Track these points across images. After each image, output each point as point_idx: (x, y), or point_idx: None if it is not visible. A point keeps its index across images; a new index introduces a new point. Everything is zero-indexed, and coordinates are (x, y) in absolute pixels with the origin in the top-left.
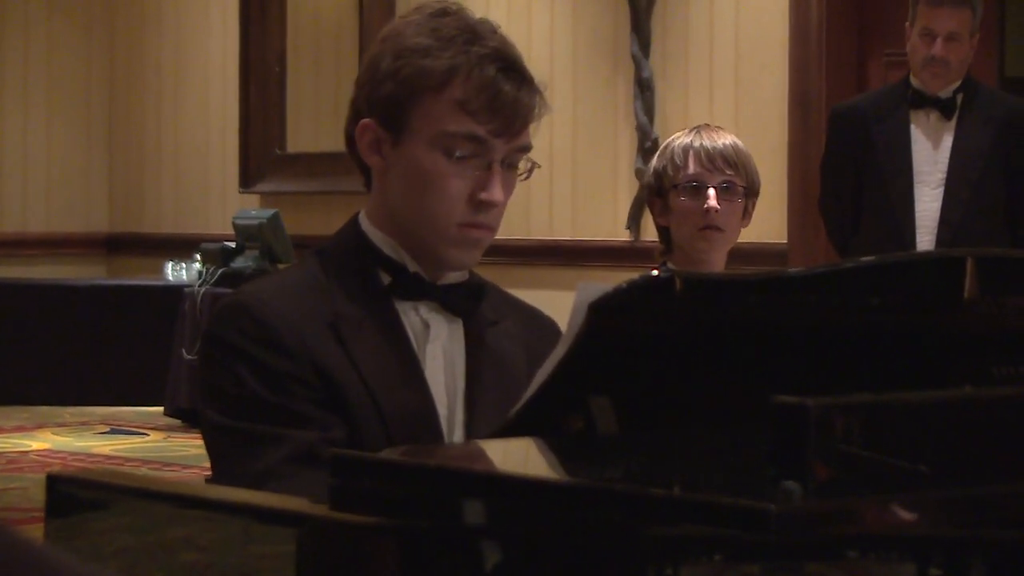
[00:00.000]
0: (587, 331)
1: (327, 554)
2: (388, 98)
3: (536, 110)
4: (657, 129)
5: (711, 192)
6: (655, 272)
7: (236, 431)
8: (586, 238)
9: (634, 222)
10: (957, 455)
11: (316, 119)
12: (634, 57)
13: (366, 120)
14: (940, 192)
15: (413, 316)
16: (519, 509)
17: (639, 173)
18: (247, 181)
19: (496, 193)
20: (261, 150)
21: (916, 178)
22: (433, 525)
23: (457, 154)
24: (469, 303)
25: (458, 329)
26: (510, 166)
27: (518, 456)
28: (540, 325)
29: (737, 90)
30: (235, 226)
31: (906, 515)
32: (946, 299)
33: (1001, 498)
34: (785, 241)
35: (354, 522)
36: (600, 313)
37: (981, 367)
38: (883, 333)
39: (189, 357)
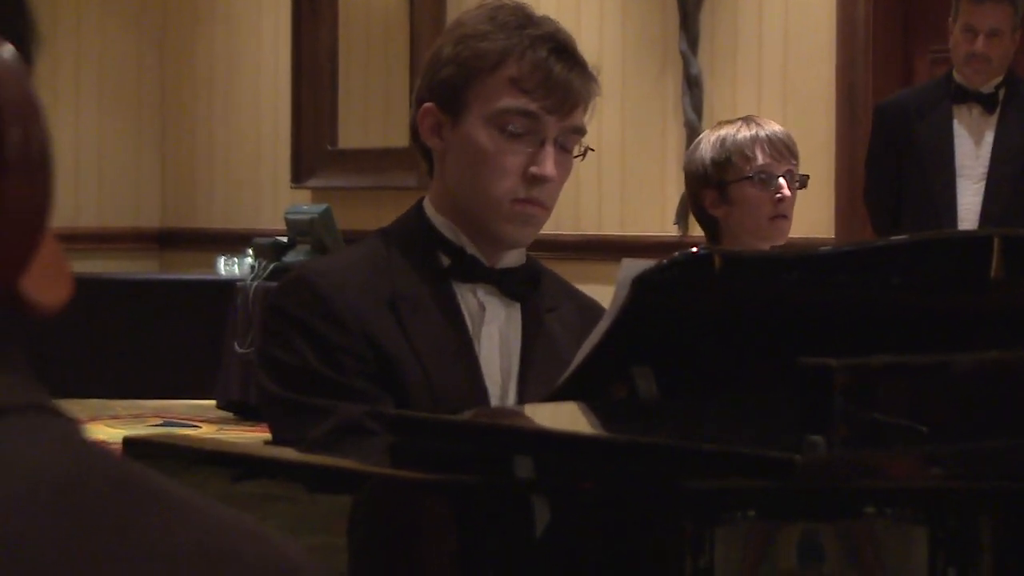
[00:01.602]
0: (631, 304)
1: (385, 511)
2: (447, 81)
3: (589, 93)
4: (705, 125)
5: (782, 181)
6: (695, 249)
7: (288, 401)
8: (635, 233)
9: (682, 218)
10: (968, 414)
11: (366, 115)
12: (683, 54)
13: (428, 105)
14: (982, 187)
15: (470, 298)
16: (567, 465)
17: None
18: (299, 176)
19: (548, 168)
20: (312, 146)
21: (958, 172)
22: (486, 481)
23: (510, 128)
24: (525, 287)
25: (515, 313)
26: (564, 147)
27: (567, 417)
28: (594, 315)
29: (784, 86)
30: (287, 221)
31: (921, 467)
32: (973, 278)
33: (1008, 452)
34: (833, 235)
35: (412, 479)
36: (643, 287)
37: (1006, 346)
38: (911, 310)
39: (241, 351)
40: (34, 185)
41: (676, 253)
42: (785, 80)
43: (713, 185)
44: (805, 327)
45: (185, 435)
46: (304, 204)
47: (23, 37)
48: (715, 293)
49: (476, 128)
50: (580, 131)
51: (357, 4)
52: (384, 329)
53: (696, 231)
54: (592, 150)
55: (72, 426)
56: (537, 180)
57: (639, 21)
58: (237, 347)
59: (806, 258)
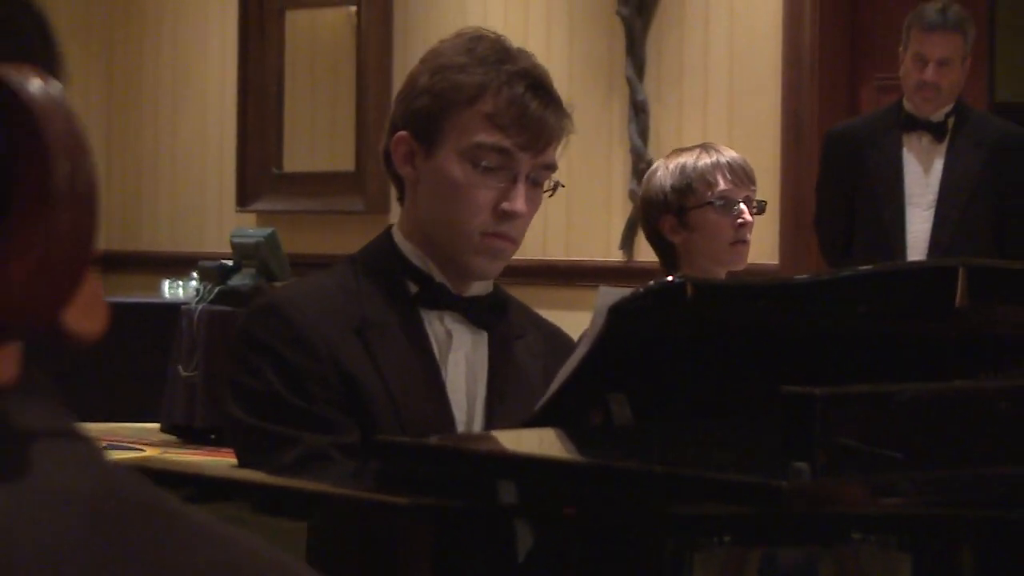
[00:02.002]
0: (607, 332)
1: (356, 535)
2: (422, 111)
3: (562, 130)
4: (651, 151)
5: (742, 206)
6: (670, 278)
7: (255, 429)
8: (580, 258)
9: (627, 243)
10: (947, 441)
11: (312, 139)
12: (629, 80)
13: (401, 133)
14: (931, 214)
15: (437, 325)
16: (548, 489)
17: (632, 195)
18: (244, 199)
19: (519, 204)
20: (258, 169)
21: (908, 200)
22: (468, 505)
23: (484, 164)
24: (492, 315)
25: (482, 341)
26: (535, 183)
27: (544, 443)
28: (560, 343)
29: (730, 113)
30: (232, 244)
31: (904, 494)
32: (939, 307)
33: (987, 479)
34: (777, 262)
35: (390, 503)
36: (619, 315)
37: (971, 373)
38: (879, 338)
39: (186, 374)
40: (82, 218)
41: (651, 282)
42: (731, 106)
43: (673, 211)
44: (776, 354)
45: (158, 457)
46: (249, 227)
47: (52, 69)
48: (689, 321)
49: (449, 161)
50: (551, 167)
51: (303, 26)
52: (352, 355)
53: (641, 256)
54: (563, 186)
55: (96, 451)
56: (508, 216)
57: (586, 47)
58: (182, 370)
59: (777, 287)
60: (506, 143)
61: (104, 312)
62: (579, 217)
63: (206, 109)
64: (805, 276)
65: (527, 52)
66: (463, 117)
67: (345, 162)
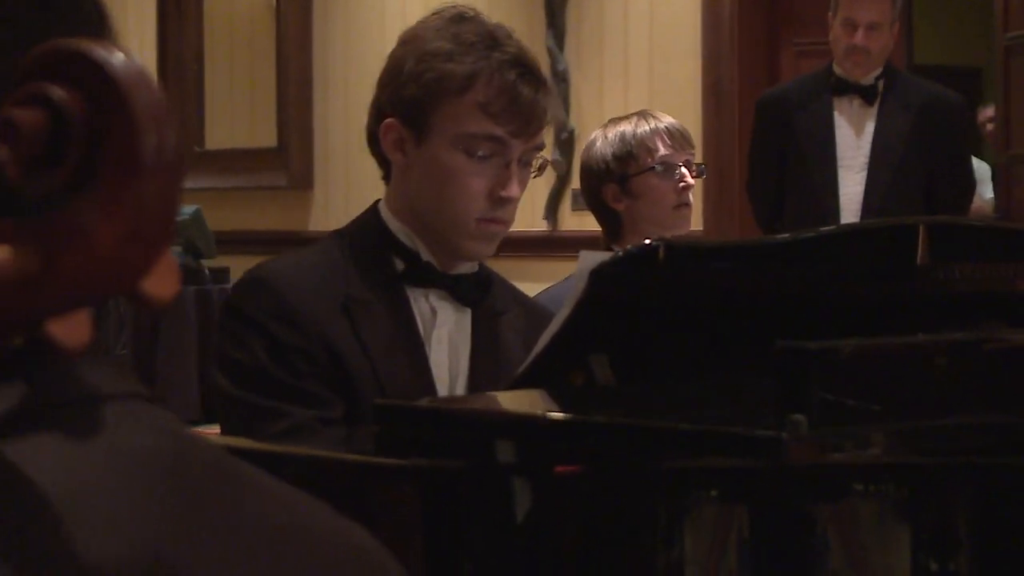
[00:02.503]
0: (587, 295)
1: (358, 499)
2: (411, 99)
3: (551, 112)
4: (573, 121)
5: (684, 170)
6: (647, 241)
7: (241, 401)
8: None
9: (551, 212)
10: (934, 392)
11: (233, 116)
12: (549, 50)
13: (390, 120)
14: (863, 176)
15: (423, 303)
16: (541, 448)
17: (555, 164)
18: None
19: (514, 190)
20: (180, 147)
21: (840, 163)
22: (460, 466)
23: (479, 154)
24: (477, 293)
25: (465, 318)
26: (525, 163)
27: (534, 403)
28: (540, 319)
29: (651, 81)
30: None
31: (896, 444)
32: (901, 265)
33: (976, 427)
34: (702, 228)
35: (387, 464)
36: (599, 278)
37: (935, 331)
38: (843, 297)
39: (116, 352)
40: (167, 187)
41: (629, 246)
42: (652, 74)
43: (615, 180)
44: (750, 314)
45: None
46: None
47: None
48: (665, 283)
49: (442, 149)
50: (540, 147)
51: (221, 2)
52: (338, 332)
53: (565, 226)
54: (550, 162)
55: (167, 414)
56: (502, 201)
57: (505, 17)
58: (110, 350)
59: (746, 248)
60: (499, 131)
61: (176, 279)
62: None
63: None
64: (770, 237)
65: (508, 31)
66: (454, 106)
67: (267, 138)
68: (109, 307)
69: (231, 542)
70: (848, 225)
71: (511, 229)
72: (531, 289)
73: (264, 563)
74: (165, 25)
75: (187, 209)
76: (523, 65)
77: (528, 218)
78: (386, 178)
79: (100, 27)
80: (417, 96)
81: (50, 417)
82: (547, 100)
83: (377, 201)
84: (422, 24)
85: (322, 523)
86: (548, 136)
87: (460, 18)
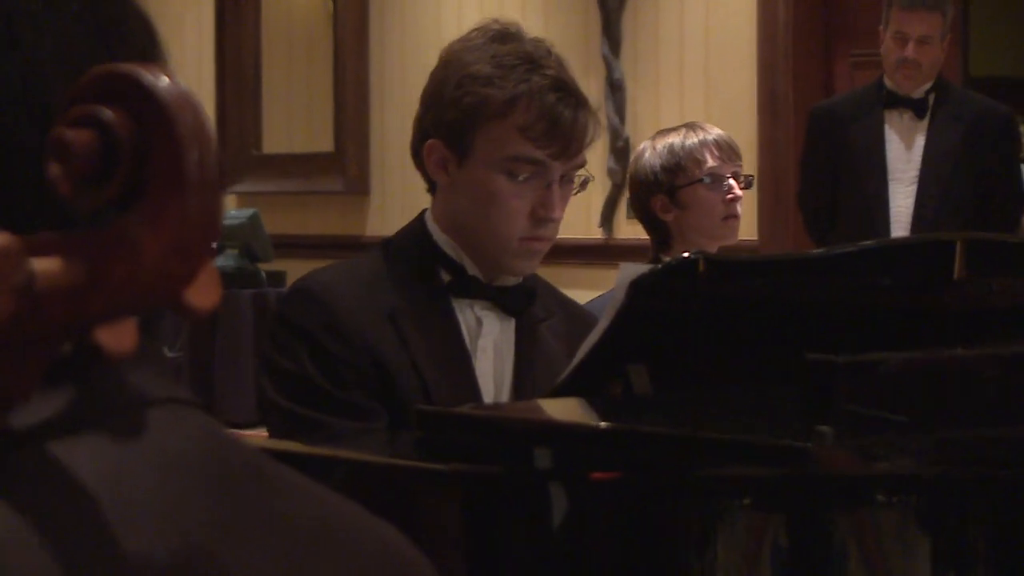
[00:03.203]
0: (627, 306)
1: (400, 502)
2: (453, 123)
3: (591, 133)
4: (628, 129)
5: (732, 182)
6: (686, 255)
7: (287, 411)
8: (560, 236)
9: (607, 221)
10: (957, 405)
11: (291, 120)
12: (605, 59)
13: (432, 141)
14: (913, 189)
15: (468, 313)
16: (579, 455)
17: (611, 173)
18: (223, 182)
19: (557, 211)
20: (238, 150)
21: (890, 176)
22: (500, 471)
23: (521, 177)
24: (522, 303)
25: (509, 327)
26: (567, 181)
27: (573, 411)
28: (583, 324)
29: (707, 90)
30: None
31: (919, 455)
32: (938, 280)
33: (997, 441)
34: (756, 238)
35: (429, 468)
36: (639, 290)
37: (969, 345)
38: (881, 310)
39: (171, 354)
40: (209, 202)
41: (668, 259)
42: (707, 83)
43: (663, 191)
44: (786, 326)
45: None
46: (231, 209)
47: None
48: (703, 295)
49: (484, 172)
50: (581, 164)
51: (279, 7)
52: (384, 341)
53: (620, 234)
54: (592, 178)
55: (205, 416)
56: (545, 221)
57: (561, 26)
58: (167, 351)
59: (784, 262)
60: (540, 155)
61: (217, 289)
62: None
63: None
64: (810, 251)
65: (547, 48)
66: (495, 130)
67: (324, 143)
68: (164, 311)
69: (268, 539)
70: (883, 240)
71: (567, 236)
72: (586, 297)
73: (299, 560)
74: (223, 30)
75: (244, 213)
76: (562, 87)
77: (583, 226)
78: (431, 191)
79: (151, 51)
80: (458, 120)
81: (98, 420)
82: (587, 119)
83: (423, 212)
84: (462, 43)
85: (355, 522)
86: (603, 144)
87: (500, 37)
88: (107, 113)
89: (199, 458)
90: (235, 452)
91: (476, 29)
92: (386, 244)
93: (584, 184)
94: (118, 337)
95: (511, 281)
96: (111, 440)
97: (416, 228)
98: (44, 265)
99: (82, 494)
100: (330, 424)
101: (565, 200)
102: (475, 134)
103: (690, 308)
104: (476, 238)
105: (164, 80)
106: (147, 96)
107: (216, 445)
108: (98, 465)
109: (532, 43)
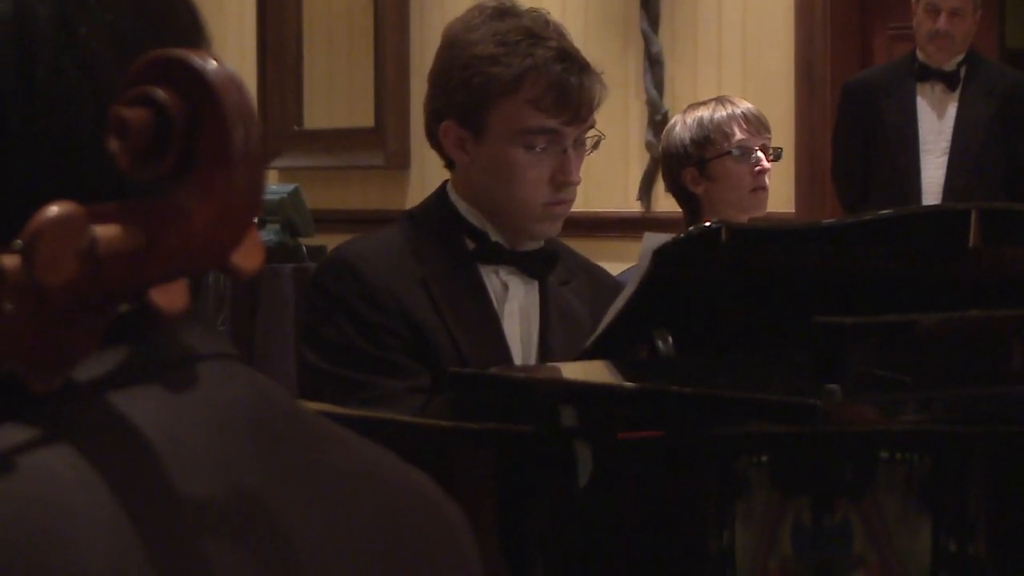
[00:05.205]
0: (652, 273)
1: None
2: (464, 104)
3: (598, 95)
4: (667, 103)
5: (760, 154)
6: (708, 224)
7: (332, 375)
8: (598, 209)
9: (645, 193)
10: (960, 365)
11: (331, 96)
12: (644, 33)
13: (447, 123)
14: (944, 161)
15: (494, 278)
16: (604, 414)
17: (649, 146)
18: (265, 156)
19: (575, 175)
20: (279, 126)
21: (922, 148)
22: (533, 430)
23: (537, 148)
24: (544, 267)
25: (533, 290)
26: (580, 144)
27: (599, 373)
28: (605, 286)
29: (744, 64)
30: None
31: (923, 412)
32: (954, 248)
33: (997, 398)
34: (793, 210)
35: (462, 427)
36: (663, 258)
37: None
38: (898, 278)
39: (219, 328)
40: (253, 175)
41: (691, 228)
42: (745, 58)
43: (693, 163)
44: (804, 293)
45: None
46: (272, 184)
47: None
48: (725, 262)
49: (500, 147)
50: (591, 126)
51: None
52: (419, 306)
53: (659, 207)
54: (604, 137)
55: (254, 372)
56: (564, 185)
57: (601, 1)
58: None
59: (803, 231)
60: (553, 123)
61: (260, 253)
62: (597, 169)
63: None
64: (829, 220)
65: (545, 18)
66: (507, 106)
67: (365, 118)
68: (208, 285)
69: (311, 485)
70: (900, 210)
71: (605, 209)
72: (623, 269)
73: (339, 503)
74: (265, 6)
75: (285, 188)
76: (566, 56)
77: (622, 199)
78: (448, 166)
79: (196, 34)
80: (470, 101)
81: (153, 373)
82: (592, 82)
83: (444, 183)
84: (462, 23)
85: (392, 470)
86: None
87: (499, 14)
88: (161, 94)
89: (247, 409)
90: (279, 404)
91: (473, 8)
92: (410, 215)
93: (596, 144)
94: (171, 298)
95: (533, 246)
96: (166, 392)
97: (438, 199)
98: (105, 232)
99: (141, 440)
100: (377, 384)
101: (580, 161)
102: (488, 112)
103: (714, 275)
104: (500, 208)
105: (212, 63)
106: (197, 78)
107: (262, 397)
108: (155, 415)
109: (530, 16)
